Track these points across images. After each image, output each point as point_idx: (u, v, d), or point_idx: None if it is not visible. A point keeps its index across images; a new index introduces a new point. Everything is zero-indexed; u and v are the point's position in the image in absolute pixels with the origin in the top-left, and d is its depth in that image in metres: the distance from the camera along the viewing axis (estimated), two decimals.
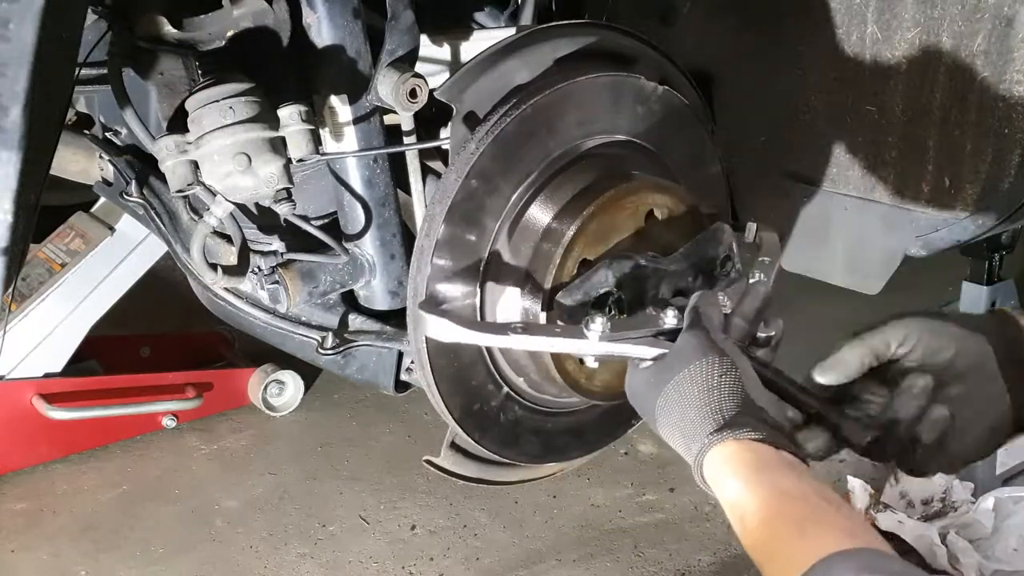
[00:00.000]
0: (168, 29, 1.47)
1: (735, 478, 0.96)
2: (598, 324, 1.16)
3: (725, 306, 1.19)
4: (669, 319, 1.16)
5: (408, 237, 1.62)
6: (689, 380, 1.04)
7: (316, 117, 1.47)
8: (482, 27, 1.86)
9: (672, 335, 1.14)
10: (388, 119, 1.56)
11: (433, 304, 1.38)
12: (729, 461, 0.98)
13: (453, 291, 1.41)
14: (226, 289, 1.74)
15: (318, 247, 1.55)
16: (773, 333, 1.21)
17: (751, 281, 1.28)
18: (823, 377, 1.12)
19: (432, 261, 1.37)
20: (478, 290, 1.43)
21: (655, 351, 1.13)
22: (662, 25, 2.01)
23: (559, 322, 1.33)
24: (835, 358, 1.12)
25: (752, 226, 1.40)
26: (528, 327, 1.29)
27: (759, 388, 1.06)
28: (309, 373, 3.16)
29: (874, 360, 1.11)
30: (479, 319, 1.44)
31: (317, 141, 1.44)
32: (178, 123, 1.45)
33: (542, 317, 1.40)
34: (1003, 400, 1.08)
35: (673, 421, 1.05)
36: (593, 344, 1.17)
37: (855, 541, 0.85)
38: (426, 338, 1.39)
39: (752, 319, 1.20)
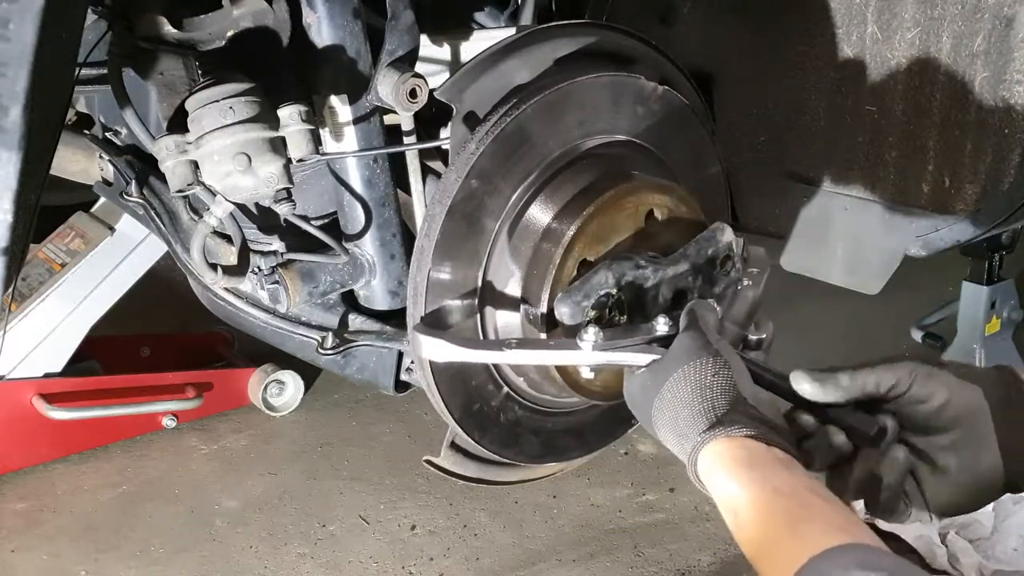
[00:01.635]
0: (168, 29, 1.47)
1: (727, 475, 0.97)
2: (591, 334, 1.18)
3: (716, 312, 1.21)
4: (661, 326, 1.19)
5: (408, 237, 1.62)
6: (683, 380, 1.05)
7: (316, 117, 1.46)
8: (482, 27, 1.87)
9: (664, 342, 1.16)
10: (388, 119, 1.56)
11: (431, 315, 1.38)
12: (721, 458, 0.98)
13: (452, 294, 1.41)
14: (226, 289, 1.74)
15: (318, 247, 1.55)
16: (764, 336, 1.23)
17: (740, 288, 1.32)
18: (806, 385, 1.08)
19: (431, 262, 1.37)
20: (478, 291, 1.43)
21: (649, 357, 1.15)
22: (662, 25, 2.01)
23: (560, 326, 1.34)
24: (828, 376, 1.07)
25: (740, 241, 1.42)
26: (523, 342, 1.31)
27: (752, 386, 1.06)
28: (309, 373, 3.17)
29: (860, 395, 1.07)
30: (478, 322, 1.44)
31: (317, 141, 1.44)
32: (178, 123, 1.44)
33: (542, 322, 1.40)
34: (994, 453, 1.04)
35: (668, 422, 1.06)
36: (587, 354, 1.20)
37: (846, 536, 0.85)
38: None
39: (742, 323, 1.21)
